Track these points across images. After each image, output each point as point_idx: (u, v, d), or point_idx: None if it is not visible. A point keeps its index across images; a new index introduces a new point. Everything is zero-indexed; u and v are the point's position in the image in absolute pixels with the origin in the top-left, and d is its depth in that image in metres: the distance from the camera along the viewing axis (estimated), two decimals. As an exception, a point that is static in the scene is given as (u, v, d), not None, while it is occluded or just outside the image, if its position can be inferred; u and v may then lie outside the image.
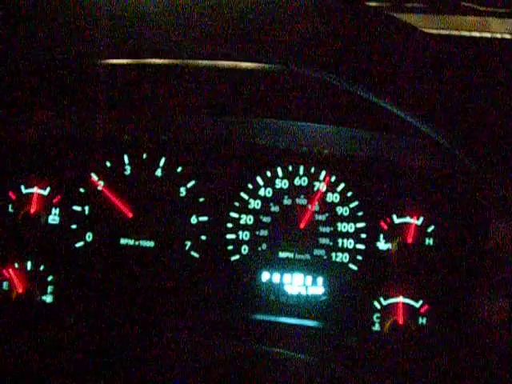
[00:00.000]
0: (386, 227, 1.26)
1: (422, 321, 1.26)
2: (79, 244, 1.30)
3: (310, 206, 1.26)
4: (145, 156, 1.29)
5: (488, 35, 1.27)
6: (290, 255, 1.27)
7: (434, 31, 1.20)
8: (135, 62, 1.14)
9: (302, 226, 1.25)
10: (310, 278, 1.28)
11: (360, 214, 1.26)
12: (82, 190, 1.30)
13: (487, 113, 0.71)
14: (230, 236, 1.28)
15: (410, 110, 0.72)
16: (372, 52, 0.68)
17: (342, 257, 1.27)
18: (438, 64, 0.75)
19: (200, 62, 1.10)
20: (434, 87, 0.70)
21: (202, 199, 1.28)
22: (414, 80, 0.71)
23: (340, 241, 1.27)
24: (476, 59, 1.17)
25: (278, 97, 1.14)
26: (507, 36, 1.26)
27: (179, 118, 1.26)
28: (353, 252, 1.27)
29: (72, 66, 1.11)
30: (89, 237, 1.30)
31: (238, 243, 1.28)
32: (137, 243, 1.29)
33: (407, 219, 1.26)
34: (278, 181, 1.28)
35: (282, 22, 0.62)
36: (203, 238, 1.28)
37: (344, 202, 1.27)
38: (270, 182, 1.28)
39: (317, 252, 1.27)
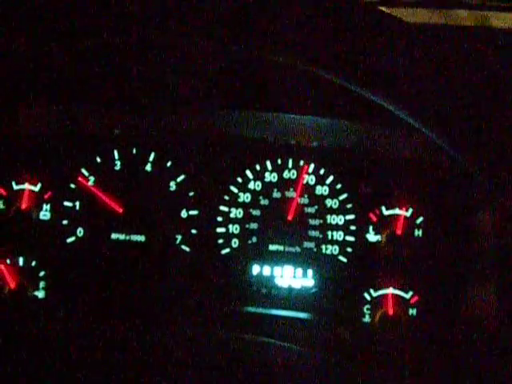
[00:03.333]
0: (375, 219, 1.27)
1: (412, 312, 1.26)
2: (70, 239, 1.31)
3: (298, 199, 1.27)
4: (134, 151, 1.30)
5: (485, 29, 1.28)
6: (280, 248, 1.28)
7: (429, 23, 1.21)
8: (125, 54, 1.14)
9: (290, 218, 1.25)
10: (300, 271, 1.28)
11: (349, 206, 1.27)
12: (72, 185, 1.30)
13: (479, 107, 0.72)
14: (220, 229, 1.29)
15: (402, 105, 0.73)
16: (364, 48, 0.69)
17: (331, 249, 1.28)
18: (429, 58, 0.75)
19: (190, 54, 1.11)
20: (426, 83, 0.71)
21: (191, 193, 1.29)
22: (407, 76, 0.72)
23: (329, 233, 1.28)
24: (471, 53, 1.17)
25: (266, 89, 1.14)
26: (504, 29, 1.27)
27: (168, 112, 1.26)
28: (342, 244, 1.28)
29: (63, 59, 1.11)
30: (80, 232, 1.31)
31: (228, 237, 1.29)
32: (128, 238, 1.30)
33: (396, 211, 1.27)
34: (267, 174, 1.28)
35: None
36: (194, 231, 1.29)
37: (333, 194, 1.27)
38: (259, 176, 1.28)
39: (306, 244, 1.28)
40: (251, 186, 1.28)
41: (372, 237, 1.27)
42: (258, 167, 1.28)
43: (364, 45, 0.71)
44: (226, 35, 0.71)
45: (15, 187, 1.32)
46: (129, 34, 0.83)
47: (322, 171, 1.27)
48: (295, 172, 1.28)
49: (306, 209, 1.28)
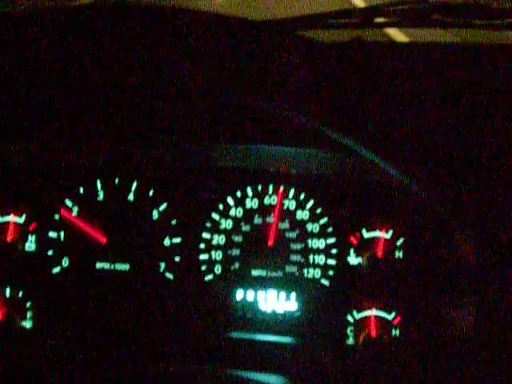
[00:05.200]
0: (355, 242, 1.28)
1: (396, 332, 1.28)
2: (56, 270, 1.32)
3: (279, 224, 1.28)
4: (117, 181, 1.31)
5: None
6: (263, 273, 1.30)
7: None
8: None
9: (270, 243, 1.27)
10: (283, 295, 1.30)
11: (330, 230, 1.29)
12: (56, 216, 1.32)
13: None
14: (203, 256, 1.30)
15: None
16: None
17: (313, 273, 1.29)
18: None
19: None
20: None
21: (174, 221, 1.30)
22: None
23: (311, 257, 1.29)
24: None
25: (245, 122, 1.16)
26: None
27: (150, 143, 1.28)
28: (324, 267, 1.29)
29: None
30: (65, 262, 1.32)
31: (211, 263, 1.30)
32: (112, 267, 1.31)
33: (376, 233, 1.28)
34: (248, 200, 1.30)
35: None
36: (177, 259, 1.30)
37: (314, 218, 1.29)
38: (240, 202, 1.30)
39: (289, 269, 1.30)
40: (233, 212, 1.30)
41: (353, 259, 1.29)
42: (239, 194, 1.30)
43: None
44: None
45: (0, 219, 1.33)
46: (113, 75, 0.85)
47: (302, 196, 1.29)
48: (276, 198, 1.30)
49: (287, 234, 1.29)
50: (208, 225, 1.30)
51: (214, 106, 1.10)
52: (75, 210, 1.32)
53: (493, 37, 1.36)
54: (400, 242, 1.28)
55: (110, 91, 1.19)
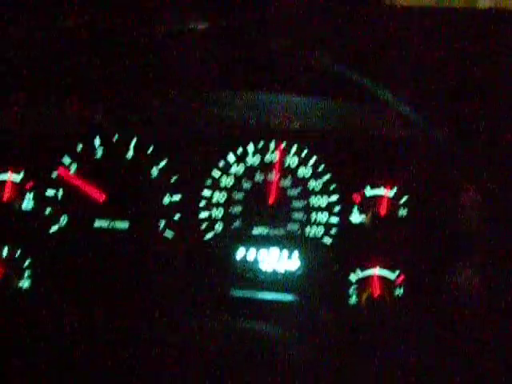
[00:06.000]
0: (358, 200, 1.26)
1: (399, 292, 1.26)
2: (54, 228, 1.30)
3: (280, 181, 1.26)
4: (116, 137, 1.29)
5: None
6: (264, 231, 1.27)
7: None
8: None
9: (271, 201, 1.25)
10: (285, 253, 1.28)
11: (332, 187, 1.26)
12: (54, 174, 1.30)
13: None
14: (203, 214, 1.28)
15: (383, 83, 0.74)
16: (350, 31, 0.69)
17: (315, 231, 1.27)
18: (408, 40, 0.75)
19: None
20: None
21: (173, 179, 1.28)
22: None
23: (313, 215, 1.27)
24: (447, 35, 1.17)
25: (248, 69, 1.13)
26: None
27: (149, 96, 1.25)
28: (326, 226, 1.27)
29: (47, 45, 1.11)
30: (63, 221, 1.30)
31: (211, 221, 1.28)
32: (111, 225, 1.29)
33: (380, 191, 1.26)
34: (249, 157, 1.27)
35: None
36: (176, 217, 1.28)
37: (316, 175, 1.26)
38: (241, 159, 1.27)
39: (290, 227, 1.27)
40: (233, 169, 1.28)
41: (356, 218, 1.26)
42: (239, 150, 1.27)
43: (348, 27, 0.71)
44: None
45: (-3, 177, 1.31)
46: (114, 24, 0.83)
47: (304, 152, 1.26)
48: (277, 154, 1.27)
49: (288, 191, 1.27)
50: (208, 182, 1.28)
51: (215, 53, 1.07)
52: (73, 167, 1.29)
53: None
54: (404, 200, 1.25)
55: (106, 43, 1.17)
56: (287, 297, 1.25)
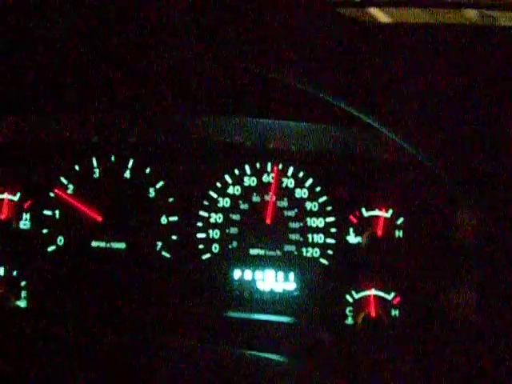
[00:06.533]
0: (355, 221, 1.27)
1: (395, 313, 1.26)
2: (51, 248, 1.31)
3: (277, 202, 1.27)
4: (113, 158, 1.29)
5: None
6: (261, 252, 1.28)
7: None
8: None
9: (268, 221, 1.25)
10: (281, 274, 1.28)
11: (329, 208, 1.27)
12: (51, 194, 1.30)
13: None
14: (200, 235, 1.29)
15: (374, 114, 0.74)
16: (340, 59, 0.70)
17: (312, 252, 1.28)
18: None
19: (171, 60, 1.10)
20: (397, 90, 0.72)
21: (171, 199, 1.28)
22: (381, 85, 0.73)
23: (310, 236, 1.27)
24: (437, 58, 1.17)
25: (245, 95, 1.14)
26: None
27: (147, 118, 1.26)
28: (323, 247, 1.27)
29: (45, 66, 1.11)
30: (60, 241, 1.30)
31: (208, 242, 1.28)
32: (108, 245, 1.29)
33: (376, 212, 1.26)
34: (246, 178, 1.28)
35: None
36: (174, 237, 1.28)
37: (313, 197, 1.27)
38: (238, 180, 1.28)
39: (287, 248, 1.28)
40: (230, 190, 1.28)
41: (352, 239, 1.27)
42: (236, 172, 1.28)
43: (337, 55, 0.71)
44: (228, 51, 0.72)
45: (-6, 197, 1.31)
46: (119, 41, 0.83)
47: (300, 174, 1.27)
48: (274, 176, 1.27)
49: (285, 212, 1.27)
50: (205, 203, 1.28)
51: (213, 78, 1.08)
52: (70, 187, 1.30)
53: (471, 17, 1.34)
54: (400, 221, 1.26)
55: (106, 67, 1.17)
56: (284, 318, 1.26)
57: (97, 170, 1.29)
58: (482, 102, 0.97)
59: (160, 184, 1.28)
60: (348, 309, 1.27)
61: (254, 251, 1.28)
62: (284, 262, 1.28)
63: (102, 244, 1.29)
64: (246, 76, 1.07)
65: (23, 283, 1.31)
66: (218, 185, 1.28)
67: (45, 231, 1.31)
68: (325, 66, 0.71)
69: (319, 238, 1.27)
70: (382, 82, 0.76)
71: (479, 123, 0.81)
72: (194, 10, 0.65)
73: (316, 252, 1.27)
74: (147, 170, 1.29)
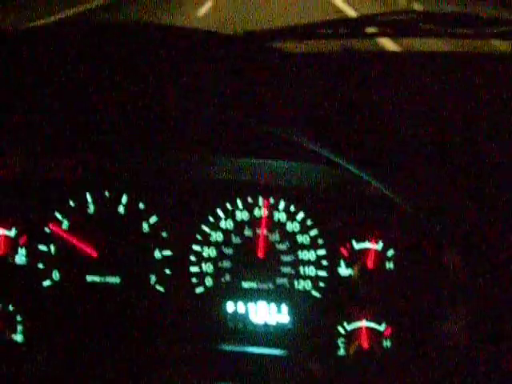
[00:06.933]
0: (346, 253, 1.28)
1: (387, 344, 1.28)
2: (46, 283, 1.32)
3: (269, 236, 1.28)
4: (107, 194, 1.31)
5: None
6: (254, 285, 1.29)
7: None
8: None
9: (260, 255, 1.27)
10: (274, 307, 1.30)
11: (320, 241, 1.28)
12: (46, 229, 1.32)
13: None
14: (193, 269, 1.30)
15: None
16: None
17: (304, 284, 1.29)
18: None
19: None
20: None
21: (164, 234, 1.30)
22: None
23: (302, 269, 1.29)
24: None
25: (233, 136, 1.16)
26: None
27: (140, 155, 1.28)
28: (315, 279, 1.29)
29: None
30: (55, 275, 1.32)
31: (201, 276, 1.30)
32: (103, 280, 1.31)
33: (367, 244, 1.28)
34: (238, 212, 1.30)
35: None
36: (167, 271, 1.30)
37: (304, 230, 1.29)
38: (230, 214, 1.30)
39: (279, 281, 1.29)
40: (223, 224, 1.30)
41: (344, 271, 1.29)
42: (228, 206, 1.30)
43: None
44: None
45: (-10, 233, 1.33)
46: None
47: (291, 208, 1.29)
48: (266, 210, 1.29)
49: (277, 245, 1.29)
50: (198, 237, 1.30)
51: (202, 121, 1.10)
52: (65, 223, 1.32)
53: (482, 45, 1.37)
54: (391, 253, 1.28)
55: (98, 105, 1.20)
56: (277, 350, 1.27)
57: (91, 206, 1.31)
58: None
59: (153, 219, 1.30)
60: (340, 340, 1.28)
61: (246, 284, 1.30)
62: (276, 295, 1.29)
63: (97, 278, 1.31)
64: (232, 122, 1.09)
65: (19, 317, 1.32)
66: (211, 219, 1.30)
67: (40, 266, 1.32)
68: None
69: (311, 271, 1.29)
70: (357, 119, 0.79)
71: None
72: None
73: (308, 284, 1.29)
74: (140, 205, 1.30)
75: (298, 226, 1.29)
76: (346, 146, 0.79)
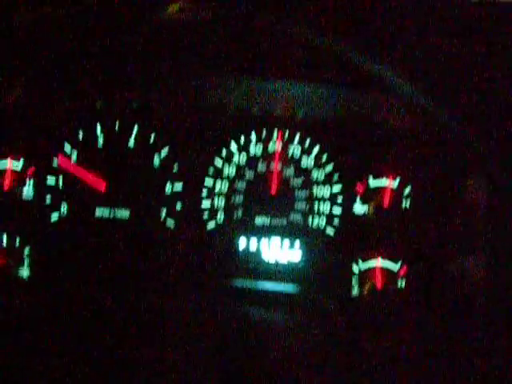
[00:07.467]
0: (361, 191, 1.25)
1: (401, 284, 1.25)
2: (54, 217, 1.29)
3: (283, 172, 1.25)
4: (117, 125, 1.27)
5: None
6: (266, 221, 1.26)
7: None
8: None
9: (273, 191, 1.24)
10: (286, 243, 1.26)
11: (335, 177, 1.25)
12: (54, 162, 1.28)
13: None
14: (205, 204, 1.27)
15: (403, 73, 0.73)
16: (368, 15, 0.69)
17: (318, 221, 1.26)
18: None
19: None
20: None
21: (175, 168, 1.26)
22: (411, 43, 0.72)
23: (316, 205, 1.26)
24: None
25: (255, 54, 1.11)
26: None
27: (152, 83, 1.24)
28: (329, 216, 1.26)
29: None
30: (63, 209, 1.29)
31: (213, 211, 1.27)
32: (112, 214, 1.28)
33: (383, 181, 1.24)
34: (251, 146, 1.26)
35: None
36: (178, 206, 1.27)
37: (319, 165, 1.25)
38: (243, 148, 1.26)
39: (293, 217, 1.26)
40: (236, 159, 1.26)
41: (359, 209, 1.25)
42: (242, 139, 1.26)
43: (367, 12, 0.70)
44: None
45: (-3, 164, 1.30)
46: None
47: (307, 142, 1.25)
48: (280, 144, 1.26)
49: (291, 181, 1.26)
50: (211, 171, 1.26)
51: (221, 37, 1.05)
52: (74, 155, 1.28)
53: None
54: (407, 191, 1.24)
55: (109, 35, 1.16)
56: (289, 287, 1.24)
57: (101, 138, 1.28)
58: None
59: (164, 152, 1.26)
60: (354, 280, 1.25)
61: (259, 220, 1.26)
62: (289, 232, 1.26)
63: (106, 212, 1.28)
64: (255, 36, 1.05)
65: (26, 252, 1.29)
66: (224, 153, 1.26)
67: (48, 200, 1.29)
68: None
69: (325, 208, 1.26)
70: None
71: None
72: None
73: (322, 221, 1.26)
74: (152, 138, 1.27)
75: (312, 161, 1.25)
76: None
